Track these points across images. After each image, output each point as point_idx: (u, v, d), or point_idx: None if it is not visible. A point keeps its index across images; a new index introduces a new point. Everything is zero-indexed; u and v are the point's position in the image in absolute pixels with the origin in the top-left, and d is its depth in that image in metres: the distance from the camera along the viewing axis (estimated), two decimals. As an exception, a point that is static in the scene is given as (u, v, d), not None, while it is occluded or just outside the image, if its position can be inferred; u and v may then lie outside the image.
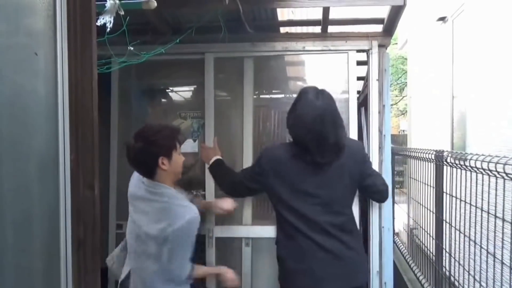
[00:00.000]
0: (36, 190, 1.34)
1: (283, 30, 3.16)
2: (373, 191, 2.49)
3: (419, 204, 3.50)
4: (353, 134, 2.96)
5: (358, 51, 3.07)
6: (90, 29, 1.54)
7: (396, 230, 4.74)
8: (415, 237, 3.78)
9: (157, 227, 2.06)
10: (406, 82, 12.94)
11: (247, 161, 2.99)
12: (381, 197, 2.52)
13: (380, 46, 2.97)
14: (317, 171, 2.25)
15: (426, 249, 3.25)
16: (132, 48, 2.29)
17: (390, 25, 2.92)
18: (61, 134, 1.42)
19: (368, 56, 3.01)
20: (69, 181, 1.44)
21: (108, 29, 1.96)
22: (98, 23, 1.89)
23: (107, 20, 1.93)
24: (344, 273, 2.22)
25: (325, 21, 2.92)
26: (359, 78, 4.89)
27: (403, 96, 17.27)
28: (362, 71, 4.54)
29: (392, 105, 17.94)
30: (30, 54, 1.31)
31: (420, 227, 3.50)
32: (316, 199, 2.25)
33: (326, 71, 3.16)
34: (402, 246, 4.38)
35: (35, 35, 1.33)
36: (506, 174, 1.68)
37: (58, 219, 1.41)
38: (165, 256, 2.07)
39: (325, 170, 2.25)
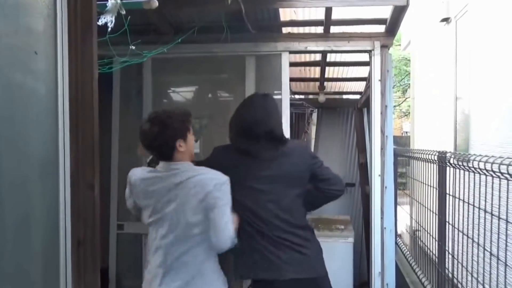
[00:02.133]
0: (36, 189, 1.33)
1: (285, 30, 3.15)
2: (328, 185, 2.33)
3: (422, 206, 3.48)
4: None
5: (360, 51, 3.06)
6: (91, 29, 1.54)
7: (399, 232, 4.71)
8: (417, 239, 3.76)
9: (194, 202, 2.02)
10: (409, 84, 12.91)
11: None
12: (336, 191, 2.30)
13: (382, 46, 2.96)
14: (263, 167, 2.20)
15: (429, 251, 3.23)
16: (134, 48, 2.29)
17: (392, 25, 2.91)
18: (61, 134, 1.41)
19: (370, 57, 2.99)
20: (69, 180, 1.44)
21: (110, 29, 1.95)
22: (100, 23, 1.89)
23: (108, 19, 1.93)
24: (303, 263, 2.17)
25: (327, 22, 2.91)
26: (360, 79, 4.91)
27: (406, 98, 17.22)
28: (364, 71, 4.55)
29: (395, 106, 17.89)
30: (30, 53, 1.30)
31: (423, 228, 3.48)
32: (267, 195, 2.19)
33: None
34: (405, 248, 4.36)
35: (35, 34, 1.33)
36: (510, 175, 1.67)
37: (57, 218, 1.41)
38: (213, 225, 2.02)
39: (271, 167, 2.20)
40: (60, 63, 1.42)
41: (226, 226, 2.00)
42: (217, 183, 2.02)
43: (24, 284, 1.29)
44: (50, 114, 1.38)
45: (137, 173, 2.21)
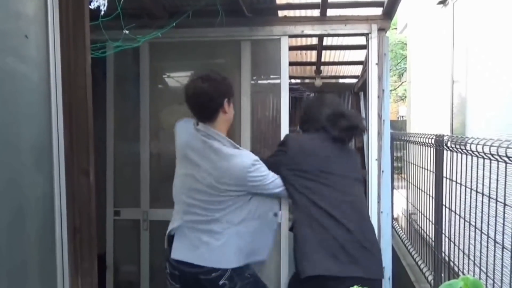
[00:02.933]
0: (30, 177, 1.31)
1: (281, 13, 3.11)
2: None
3: (418, 189, 3.49)
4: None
5: (357, 34, 3.02)
6: (82, 12, 1.50)
7: (395, 216, 4.74)
8: (414, 222, 3.78)
9: (232, 169, 2.03)
10: (405, 68, 12.87)
11: (245, 146, 2.96)
12: None
13: (379, 29, 2.92)
14: (345, 157, 2.28)
15: (425, 234, 3.25)
16: (127, 32, 2.25)
17: (390, 8, 2.87)
18: (54, 120, 1.39)
19: (367, 40, 2.96)
20: (64, 167, 1.42)
21: (102, 13, 1.91)
22: (92, 6, 1.84)
23: (100, 3, 1.88)
24: None
25: (324, 4, 2.86)
26: (357, 63, 4.87)
27: (403, 82, 17.19)
28: (361, 55, 4.51)
29: (391, 90, 17.83)
30: (20, 37, 1.27)
31: (419, 212, 3.50)
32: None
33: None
34: (401, 231, 4.39)
35: (25, 18, 1.29)
36: (509, 157, 1.66)
37: (53, 206, 1.39)
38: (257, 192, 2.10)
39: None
40: (52, 47, 1.38)
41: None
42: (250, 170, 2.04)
43: (21, 274, 1.28)
44: (43, 99, 1.36)
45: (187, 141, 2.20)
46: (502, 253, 1.85)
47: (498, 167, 1.82)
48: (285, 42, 2.94)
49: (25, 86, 1.29)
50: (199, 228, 2.10)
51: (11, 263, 1.24)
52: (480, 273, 2.06)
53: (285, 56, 2.94)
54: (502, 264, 1.84)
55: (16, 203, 1.25)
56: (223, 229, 2.06)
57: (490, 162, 1.87)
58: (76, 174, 1.48)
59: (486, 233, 1.98)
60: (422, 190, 3.31)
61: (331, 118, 2.22)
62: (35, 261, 1.35)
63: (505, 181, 1.75)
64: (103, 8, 1.89)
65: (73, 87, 1.47)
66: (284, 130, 2.88)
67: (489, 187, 1.94)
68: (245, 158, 2.07)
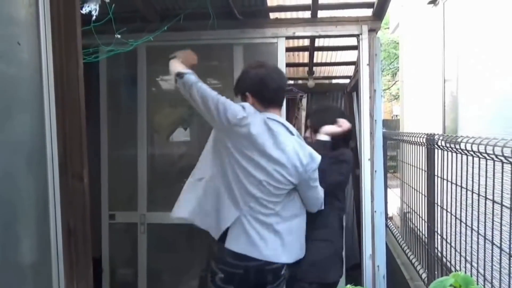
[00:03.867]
0: (24, 181, 1.32)
1: (272, 16, 3.13)
2: None
3: (411, 188, 3.52)
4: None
5: (348, 35, 3.05)
6: (74, 17, 1.52)
7: (390, 215, 4.76)
8: (408, 221, 3.80)
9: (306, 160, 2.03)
10: (398, 67, 12.93)
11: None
12: None
13: (370, 30, 2.96)
14: None
15: (419, 232, 3.27)
16: (119, 36, 2.26)
17: (380, 8, 2.90)
18: (47, 125, 1.40)
19: (358, 41, 2.99)
20: (57, 171, 1.43)
21: (94, 17, 1.93)
22: (83, 11, 1.86)
23: (92, 8, 1.90)
24: None
25: (314, 6, 2.89)
26: (349, 63, 4.90)
27: (396, 81, 17.23)
28: (352, 56, 4.54)
29: (384, 90, 17.89)
30: (12, 44, 1.28)
31: (412, 211, 3.53)
32: None
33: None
34: (396, 230, 4.41)
35: (17, 24, 1.31)
36: (496, 155, 1.69)
37: (47, 209, 1.40)
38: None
39: None
40: (44, 53, 1.40)
41: None
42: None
43: (16, 276, 1.29)
44: (36, 105, 1.37)
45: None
46: (492, 249, 1.88)
47: (486, 165, 1.85)
48: (282, 45, 2.97)
49: (17, 91, 1.30)
50: (261, 220, 2.03)
51: (6, 267, 1.25)
52: (471, 269, 2.08)
53: (282, 58, 2.98)
54: (492, 259, 1.87)
55: (10, 208, 1.26)
56: (277, 222, 2.05)
57: (479, 160, 1.90)
58: (70, 177, 1.49)
59: (477, 230, 2.01)
60: (415, 189, 3.34)
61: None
62: (30, 265, 1.37)
63: (493, 178, 1.78)
64: (94, 13, 1.91)
65: (65, 91, 1.48)
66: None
67: (479, 185, 1.97)
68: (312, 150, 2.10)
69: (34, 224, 1.37)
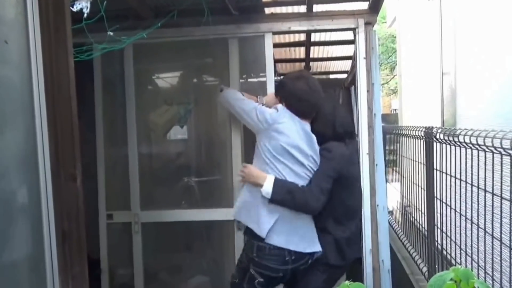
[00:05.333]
0: (15, 183, 1.30)
1: (268, 11, 3.10)
2: None
3: (411, 182, 3.50)
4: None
5: (344, 29, 3.02)
6: (63, 15, 1.49)
7: (390, 209, 4.75)
8: (408, 215, 3.79)
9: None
10: (396, 61, 12.90)
11: (236, 147, 2.96)
12: None
13: (366, 24, 2.92)
14: None
15: (419, 226, 3.26)
16: (112, 34, 2.23)
17: (376, 2, 2.87)
18: (38, 125, 1.38)
19: (354, 35, 2.96)
20: (50, 172, 1.41)
21: (85, 15, 1.90)
22: (74, 9, 1.83)
23: (83, 5, 1.87)
24: None
25: (310, 0, 2.86)
26: (346, 58, 4.87)
27: (394, 75, 17.19)
28: (349, 50, 4.51)
29: (383, 84, 17.85)
30: (0, 43, 1.26)
31: (412, 205, 3.51)
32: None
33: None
34: (396, 225, 4.40)
35: (4, 23, 1.28)
36: (495, 148, 1.67)
37: (40, 211, 1.38)
38: None
39: None
40: (33, 52, 1.37)
41: None
42: None
43: (10, 279, 1.27)
44: (26, 105, 1.34)
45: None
46: (492, 242, 1.86)
47: (485, 157, 1.83)
48: (269, 39, 2.93)
49: (6, 91, 1.28)
50: (297, 216, 2.35)
51: (1, 269, 1.22)
52: (472, 263, 2.07)
53: (270, 53, 2.94)
54: (492, 253, 1.85)
55: (2, 210, 1.24)
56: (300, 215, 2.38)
57: (478, 153, 1.88)
58: (63, 178, 1.47)
59: (477, 223, 2.00)
60: (414, 183, 3.32)
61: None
62: (25, 267, 1.34)
63: (493, 170, 1.76)
64: (85, 11, 1.87)
65: (56, 91, 1.45)
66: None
67: (478, 177, 1.95)
68: None
69: (27, 227, 1.35)
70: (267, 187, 2.26)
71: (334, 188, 2.41)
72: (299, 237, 2.32)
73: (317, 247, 2.40)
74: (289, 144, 2.28)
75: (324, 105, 2.56)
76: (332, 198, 2.41)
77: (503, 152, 1.64)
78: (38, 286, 1.37)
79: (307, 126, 2.41)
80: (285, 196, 2.28)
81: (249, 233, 2.36)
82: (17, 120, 1.33)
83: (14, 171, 1.30)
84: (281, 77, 4.02)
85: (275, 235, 2.26)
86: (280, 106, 2.38)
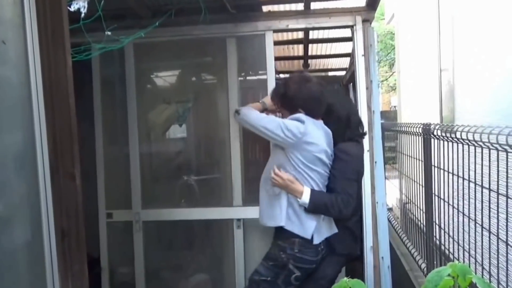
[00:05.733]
0: (13, 182, 1.31)
1: (265, 9, 3.10)
2: None
3: (410, 179, 3.51)
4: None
5: (342, 27, 3.03)
6: (61, 15, 1.49)
7: (389, 206, 4.76)
8: (407, 211, 3.80)
9: None
10: (395, 58, 12.89)
11: (235, 145, 2.97)
12: None
13: (364, 21, 2.93)
14: None
15: (418, 222, 3.27)
16: (109, 33, 2.23)
17: (373, -1, 2.88)
18: (37, 124, 1.38)
19: (352, 32, 2.96)
20: (48, 171, 1.42)
21: (83, 15, 1.90)
22: (72, 9, 1.84)
23: (80, 5, 1.87)
24: None
25: (307, -2, 2.87)
26: (344, 55, 4.88)
27: (393, 72, 17.18)
28: (347, 47, 4.52)
29: (382, 81, 17.84)
30: (-3, 43, 1.26)
31: (411, 201, 3.52)
32: None
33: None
34: (395, 221, 4.41)
35: (1, 23, 1.29)
36: (492, 144, 1.68)
37: (39, 210, 1.39)
38: None
39: None
40: (30, 52, 1.38)
41: None
42: None
43: (10, 279, 1.28)
44: (24, 104, 1.35)
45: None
46: (489, 237, 1.87)
47: (482, 153, 1.83)
48: (270, 37, 2.94)
49: (4, 91, 1.29)
50: None
51: (0, 268, 1.23)
52: (469, 258, 2.08)
53: (270, 51, 2.94)
54: (489, 249, 1.86)
55: (1, 209, 1.24)
56: None
57: (475, 149, 1.89)
58: (62, 177, 1.48)
59: (474, 219, 2.00)
60: (413, 180, 3.33)
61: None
62: (24, 266, 1.35)
63: (489, 166, 1.77)
64: (83, 10, 1.88)
65: (54, 90, 1.46)
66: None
67: (475, 174, 1.96)
68: None
69: (27, 225, 1.36)
70: (305, 199, 2.34)
71: None
72: (325, 228, 2.45)
73: (332, 231, 2.51)
74: (319, 151, 2.32)
75: (337, 104, 2.54)
76: None
77: (499, 148, 1.65)
78: (38, 283, 1.38)
79: (322, 123, 2.43)
80: (320, 208, 2.38)
81: (287, 232, 2.37)
82: (16, 119, 1.33)
83: (13, 170, 1.31)
84: (281, 80, 4.06)
85: (315, 233, 2.37)
86: (301, 115, 2.33)
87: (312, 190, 2.33)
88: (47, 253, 1.41)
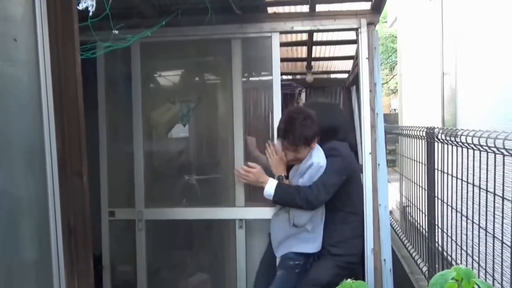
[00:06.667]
0: (22, 180, 1.31)
1: (270, 10, 3.11)
2: None
3: (411, 182, 3.52)
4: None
5: (347, 29, 3.03)
6: (71, 14, 1.50)
7: (389, 209, 4.77)
8: (408, 214, 3.81)
9: None
10: (396, 61, 12.90)
11: (238, 146, 2.97)
12: None
13: (369, 24, 2.93)
14: None
15: (419, 226, 3.28)
16: (116, 32, 2.24)
17: (378, 2, 2.88)
18: (46, 122, 1.39)
19: (357, 35, 2.97)
20: (57, 169, 1.42)
21: (91, 13, 1.91)
22: (80, 7, 1.85)
23: (89, 4, 1.88)
24: None
25: (312, 0, 2.87)
26: (348, 58, 4.88)
27: (394, 75, 17.20)
28: (351, 50, 4.52)
29: (383, 84, 17.81)
30: (9, 41, 1.27)
31: (412, 204, 3.53)
32: None
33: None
34: (396, 224, 4.42)
35: (13, 21, 1.29)
36: (497, 148, 1.68)
37: (47, 208, 1.39)
38: None
39: None
40: (41, 50, 1.38)
41: None
42: None
43: (17, 276, 1.28)
44: (34, 102, 1.36)
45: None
46: (494, 242, 1.88)
47: (487, 158, 1.84)
48: (276, 39, 2.95)
49: (15, 89, 1.29)
50: None
51: (7, 265, 1.24)
52: (472, 263, 2.08)
53: (277, 53, 2.95)
54: (493, 253, 1.87)
55: (9, 206, 1.25)
56: None
57: (480, 153, 1.89)
58: (70, 175, 1.48)
59: (478, 223, 2.01)
60: (415, 183, 3.34)
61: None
62: (31, 263, 1.36)
63: (494, 171, 1.78)
64: (91, 9, 1.89)
65: (63, 88, 1.46)
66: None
67: (479, 178, 1.96)
68: None
69: (34, 222, 1.36)
70: (269, 190, 2.58)
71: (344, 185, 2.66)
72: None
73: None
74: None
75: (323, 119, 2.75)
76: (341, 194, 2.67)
77: (505, 153, 1.66)
78: (44, 281, 1.39)
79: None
80: (285, 197, 2.57)
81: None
82: (25, 117, 1.34)
83: (22, 168, 1.31)
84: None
85: None
86: (319, 155, 2.65)
87: (279, 182, 2.59)
88: (54, 250, 1.41)
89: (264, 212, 2.87)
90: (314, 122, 2.58)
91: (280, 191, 2.59)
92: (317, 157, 2.64)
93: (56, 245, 1.42)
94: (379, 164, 2.88)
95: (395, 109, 17.73)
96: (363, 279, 2.79)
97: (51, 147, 1.40)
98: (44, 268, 1.39)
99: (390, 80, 18.85)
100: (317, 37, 4.16)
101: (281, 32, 3.04)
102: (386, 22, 12.10)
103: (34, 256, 1.37)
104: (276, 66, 2.94)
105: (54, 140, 1.42)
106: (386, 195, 2.89)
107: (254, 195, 2.98)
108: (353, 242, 2.79)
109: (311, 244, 2.70)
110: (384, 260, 2.85)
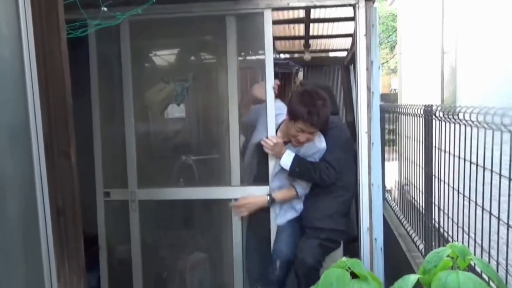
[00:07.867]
0: (7, 161, 1.28)
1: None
2: None
3: (409, 161, 3.50)
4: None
5: (344, 5, 2.96)
6: (54, -12, 1.45)
7: (388, 188, 4.76)
8: (406, 193, 3.80)
9: None
10: (397, 40, 12.77)
11: (234, 125, 2.94)
12: None
13: (367, 0, 2.87)
14: None
15: (417, 204, 3.27)
16: (105, 9, 2.18)
17: (377, -23, 2.81)
18: (30, 101, 1.35)
19: (355, 11, 2.90)
20: (43, 149, 1.39)
21: (78, -11, 1.85)
22: (66, -17, 1.78)
23: (75, -21, 1.82)
24: None
25: (309, -25, 2.80)
26: (346, 35, 4.81)
27: (394, 54, 17.07)
28: (349, 28, 4.45)
29: (383, 63, 17.73)
30: (-12, 17, 1.22)
31: (410, 183, 3.51)
32: None
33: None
34: (394, 203, 4.41)
35: (-8, -5, 1.24)
36: (495, 125, 1.65)
37: (34, 189, 1.36)
38: None
39: None
40: (23, 27, 1.33)
41: None
42: None
43: (5, 257, 1.26)
44: (16, 79, 1.31)
45: None
46: (490, 219, 1.86)
47: (485, 135, 1.81)
48: (268, 16, 2.87)
49: (-3, 66, 1.25)
50: None
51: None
52: (469, 240, 2.07)
53: (269, 30, 2.88)
54: (489, 230, 1.85)
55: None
56: None
57: (478, 130, 1.86)
58: (57, 156, 1.45)
59: (475, 200, 1.99)
60: (413, 162, 3.31)
61: None
62: (19, 245, 1.34)
63: (492, 148, 1.75)
64: (78, -16, 1.83)
65: (48, 67, 1.42)
66: (270, 104, 2.83)
67: (477, 155, 1.94)
68: None
69: (21, 204, 1.34)
70: (287, 160, 2.70)
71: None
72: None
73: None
74: None
75: None
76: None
77: (503, 129, 1.62)
78: (33, 262, 1.37)
79: None
80: (302, 169, 2.72)
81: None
82: (8, 95, 1.30)
83: (6, 149, 1.28)
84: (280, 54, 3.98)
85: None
86: (321, 138, 2.76)
87: (296, 154, 2.71)
88: (42, 230, 1.39)
89: (259, 192, 2.85)
90: (328, 102, 2.65)
91: (297, 163, 2.73)
92: (323, 141, 2.78)
93: (45, 226, 1.40)
94: (373, 143, 2.85)
95: (395, 89, 17.62)
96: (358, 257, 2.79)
97: (37, 128, 1.37)
98: (33, 249, 1.38)
99: (390, 59, 18.71)
100: (314, 14, 4.08)
101: (277, 9, 2.96)
102: (386, 0, 11.94)
103: (22, 238, 1.35)
104: (269, 43, 2.88)
105: (40, 121, 1.38)
106: (379, 174, 2.87)
107: (249, 174, 2.96)
108: (337, 218, 2.86)
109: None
110: (375, 239, 2.85)
